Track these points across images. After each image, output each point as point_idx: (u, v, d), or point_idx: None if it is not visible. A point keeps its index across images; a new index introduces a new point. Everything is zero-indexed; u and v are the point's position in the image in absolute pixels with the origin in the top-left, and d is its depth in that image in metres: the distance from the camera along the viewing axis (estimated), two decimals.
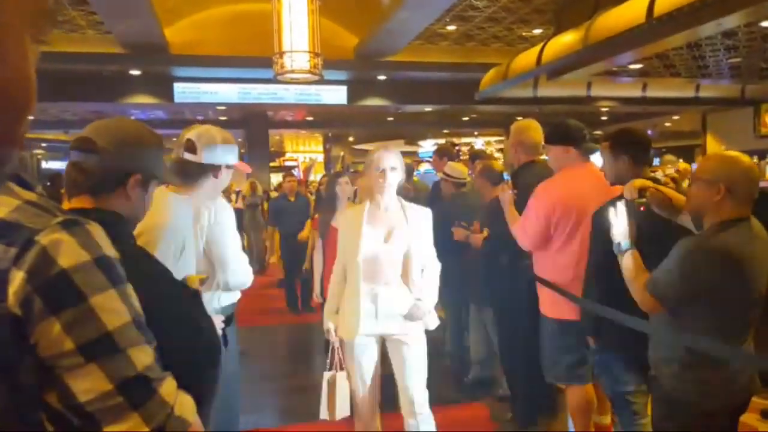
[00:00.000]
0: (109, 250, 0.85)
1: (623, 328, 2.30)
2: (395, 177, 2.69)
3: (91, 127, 1.39)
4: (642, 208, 2.17)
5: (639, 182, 2.27)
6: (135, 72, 11.56)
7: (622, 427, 2.64)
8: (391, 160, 2.68)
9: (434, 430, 2.79)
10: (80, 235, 0.81)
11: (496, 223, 3.39)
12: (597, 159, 2.94)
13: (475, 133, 19.81)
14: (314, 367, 4.62)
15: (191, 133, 2.20)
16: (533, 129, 3.42)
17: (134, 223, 1.48)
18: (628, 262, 2.15)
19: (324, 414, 2.86)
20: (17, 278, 0.76)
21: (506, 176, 3.52)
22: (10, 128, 0.74)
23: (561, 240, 2.85)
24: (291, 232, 6.54)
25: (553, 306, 2.92)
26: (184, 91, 12.09)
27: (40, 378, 0.78)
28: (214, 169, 2.24)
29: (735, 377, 2.00)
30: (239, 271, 2.43)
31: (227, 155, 2.28)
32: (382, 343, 2.80)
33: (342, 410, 2.82)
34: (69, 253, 0.79)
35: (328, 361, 2.85)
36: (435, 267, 2.81)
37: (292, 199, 7.10)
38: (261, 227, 9.81)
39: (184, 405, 0.94)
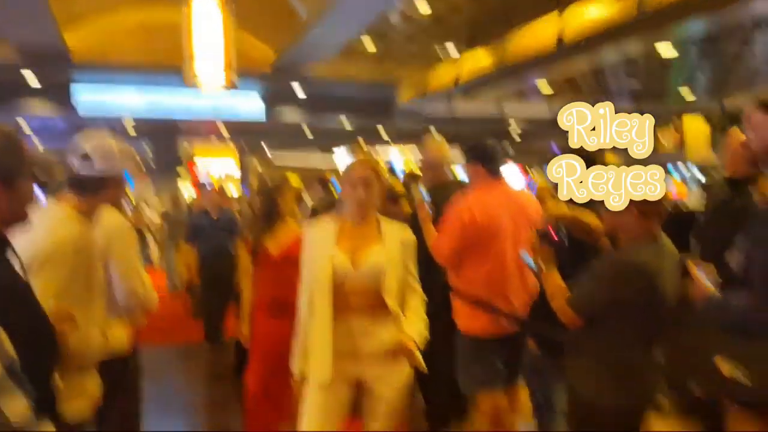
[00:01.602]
0: None
1: (555, 336, 2.38)
2: (370, 191, 2.30)
3: None
4: (555, 238, 2.24)
5: (555, 212, 2.35)
6: (32, 80, 10.79)
7: (539, 428, 2.74)
8: (365, 171, 2.31)
9: None
10: None
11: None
12: (515, 182, 3.02)
13: (391, 144, 20.02)
14: (222, 390, 4.43)
15: (86, 145, 2.05)
16: (442, 149, 3.50)
17: (16, 219, 1.45)
18: (546, 280, 2.26)
19: None
20: None
21: (425, 195, 3.55)
22: None
23: (475, 256, 2.90)
24: (211, 254, 5.68)
25: (468, 321, 2.96)
26: (87, 102, 11.44)
27: None
28: (112, 181, 2.09)
29: (643, 380, 2.13)
30: (140, 293, 2.31)
31: (125, 165, 2.14)
32: (357, 389, 2.33)
33: None
34: None
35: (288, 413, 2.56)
36: (418, 297, 2.42)
37: (215, 216, 6.02)
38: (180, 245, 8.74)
39: None
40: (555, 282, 2.22)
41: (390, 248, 2.28)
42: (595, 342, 2.09)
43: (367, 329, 2.25)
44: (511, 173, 6.21)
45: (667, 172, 2.21)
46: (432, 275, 3.26)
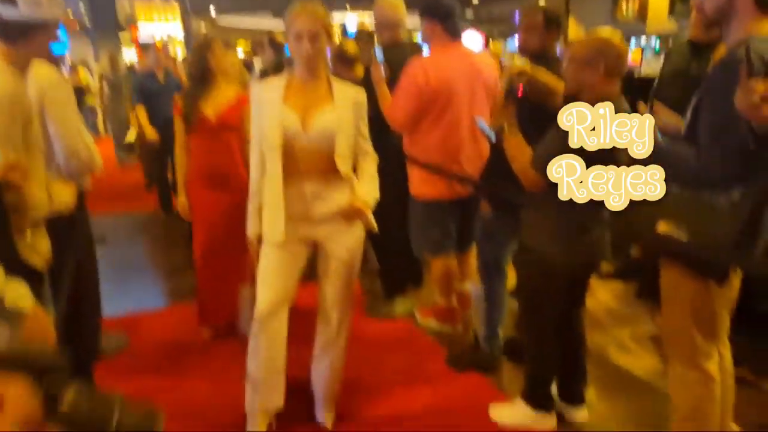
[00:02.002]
0: None
1: (509, 197, 2.46)
2: (317, 45, 2.12)
3: None
4: (519, 94, 2.23)
5: (517, 67, 2.32)
6: None
7: (487, 289, 2.92)
8: (310, 23, 2.10)
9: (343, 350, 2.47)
10: None
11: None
12: (468, 38, 2.96)
13: (347, 6, 19.04)
14: (180, 254, 4.52)
15: None
16: (393, 5, 3.34)
17: None
18: (508, 142, 2.24)
19: (246, 329, 2.53)
20: None
21: (379, 54, 3.43)
22: None
23: (430, 120, 2.90)
24: (161, 120, 5.31)
25: (422, 186, 3.03)
26: None
27: None
28: (40, 28, 1.93)
29: (591, 241, 2.25)
30: (83, 153, 2.22)
31: (52, 8, 1.96)
32: (312, 249, 2.36)
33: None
34: None
35: (248, 272, 2.56)
36: (370, 159, 2.37)
37: (161, 79, 5.67)
38: (126, 108, 8.03)
39: (17, 292, 0.87)
40: (518, 143, 2.21)
41: (341, 110, 2.19)
42: (551, 201, 2.10)
43: (320, 193, 2.22)
44: (471, 39, 6.02)
45: (627, 40, 2.21)
46: (385, 139, 3.28)
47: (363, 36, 4.36)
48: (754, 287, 2.27)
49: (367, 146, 2.34)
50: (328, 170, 2.20)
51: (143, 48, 7.62)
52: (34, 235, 1.82)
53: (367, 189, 2.29)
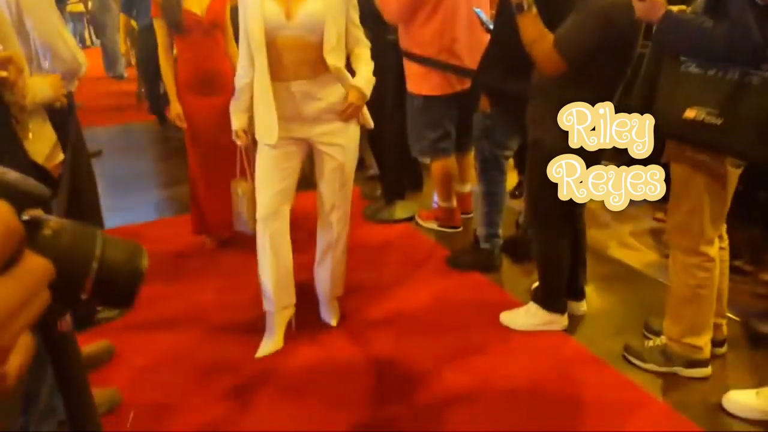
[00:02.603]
0: None
1: (513, 94, 2.36)
2: None
3: None
4: None
5: None
6: None
7: (486, 188, 2.88)
8: None
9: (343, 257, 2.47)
10: None
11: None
12: None
13: None
14: (178, 165, 4.46)
15: None
16: None
17: None
18: (527, 21, 2.08)
19: (241, 225, 2.63)
20: None
21: None
22: None
23: (427, 11, 2.77)
24: (150, 27, 4.98)
25: (419, 81, 2.93)
26: None
27: None
28: None
29: None
30: (64, 54, 2.12)
31: None
32: (308, 150, 2.31)
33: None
34: None
35: (237, 168, 2.53)
36: (364, 46, 2.24)
37: None
38: (115, 17, 7.79)
39: None
40: (537, 25, 2.06)
41: (333, 8, 2.07)
42: (557, 91, 2.05)
43: (310, 90, 2.13)
44: None
45: None
46: (380, 34, 3.15)
47: None
48: (756, 174, 2.25)
49: (360, 34, 2.21)
50: (317, 66, 2.10)
51: None
52: (36, 122, 1.77)
53: (362, 75, 2.19)
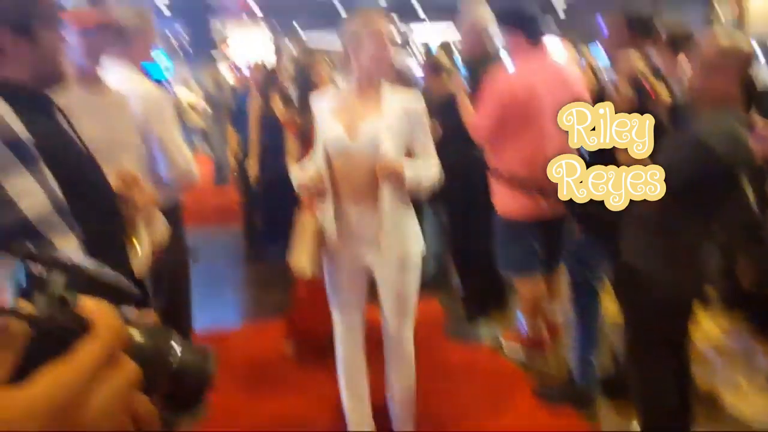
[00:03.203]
0: (19, 130, 0.77)
1: (604, 218, 2.28)
2: (387, 48, 2.07)
3: None
4: (650, 90, 2.04)
5: (637, 59, 2.12)
6: None
7: (578, 314, 2.72)
8: (380, 24, 2.05)
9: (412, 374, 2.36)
10: None
11: (447, 118, 3.28)
12: (552, 45, 2.80)
13: (426, 20, 19.08)
14: (268, 269, 4.55)
15: None
16: (484, 18, 3.23)
17: (49, 81, 1.27)
18: (622, 153, 2.01)
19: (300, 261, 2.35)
20: None
21: (463, 69, 3.36)
22: None
23: (515, 134, 2.75)
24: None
25: (506, 200, 2.86)
26: None
27: None
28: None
29: (699, 262, 2.06)
30: (182, 165, 2.30)
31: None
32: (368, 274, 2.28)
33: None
34: None
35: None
36: (430, 158, 2.17)
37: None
38: (225, 131, 7.67)
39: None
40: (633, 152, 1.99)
41: (389, 116, 2.07)
42: (656, 218, 1.97)
43: (371, 212, 2.11)
44: (557, 48, 5.81)
45: None
46: (468, 152, 3.17)
47: (445, 47, 4.30)
48: None
49: (428, 156, 2.18)
50: (378, 187, 2.07)
51: (238, 69, 7.82)
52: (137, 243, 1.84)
53: (411, 162, 2.12)
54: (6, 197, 0.73)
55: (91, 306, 0.38)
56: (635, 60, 2.08)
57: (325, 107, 2.17)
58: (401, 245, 2.16)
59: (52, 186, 0.80)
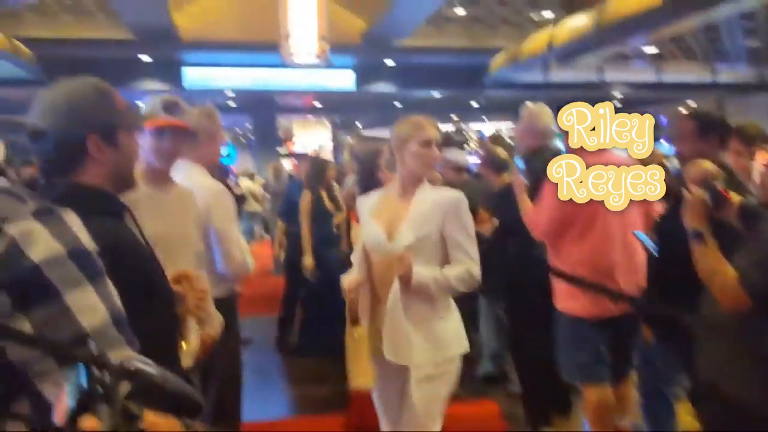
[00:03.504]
0: (86, 241, 0.78)
1: (678, 322, 2.17)
2: (437, 153, 2.14)
3: (31, 109, 1.26)
4: (725, 193, 1.89)
5: (711, 164, 2.01)
6: (145, 58, 11.50)
7: (649, 427, 2.53)
8: (437, 132, 2.14)
9: None
10: (54, 225, 0.74)
11: (505, 211, 3.27)
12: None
13: (484, 118, 19.61)
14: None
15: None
16: (544, 114, 3.28)
17: (124, 186, 1.35)
18: (706, 253, 1.88)
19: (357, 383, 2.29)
20: None
21: (519, 162, 3.38)
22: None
23: (576, 231, 2.71)
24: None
25: (569, 300, 2.78)
26: (193, 77, 12.04)
27: (9, 384, 0.71)
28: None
29: None
30: (238, 259, 2.37)
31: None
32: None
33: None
34: (41, 245, 0.71)
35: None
36: (461, 266, 2.08)
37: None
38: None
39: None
40: (717, 256, 1.85)
41: (416, 210, 2.08)
42: (740, 329, 1.81)
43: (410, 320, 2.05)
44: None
45: None
46: (528, 250, 3.13)
47: (493, 141, 4.40)
48: None
49: (463, 256, 2.09)
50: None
51: (298, 157, 8.19)
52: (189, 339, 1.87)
53: (434, 269, 2.06)
54: (66, 312, 0.73)
55: (156, 422, 0.36)
56: (706, 165, 2.00)
57: (367, 208, 2.22)
58: (425, 350, 2.06)
59: (113, 299, 0.80)
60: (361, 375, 2.15)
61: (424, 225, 2.06)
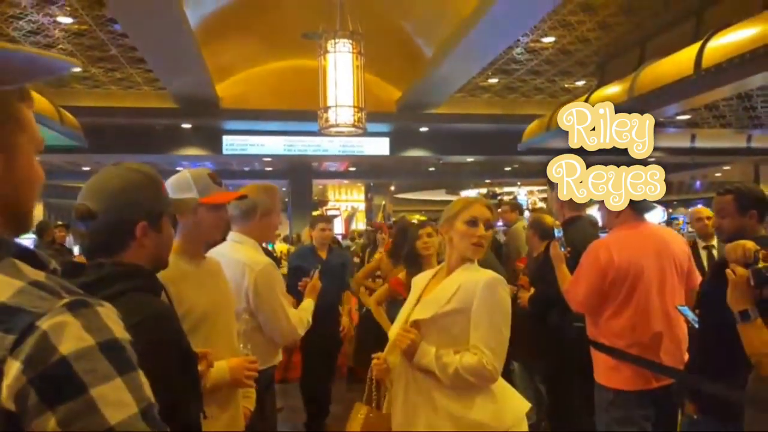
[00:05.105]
0: (120, 333, 0.76)
1: (723, 398, 2.14)
2: (490, 233, 2.06)
3: (84, 191, 1.38)
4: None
5: (751, 244, 2.02)
6: (187, 125, 12.05)
7: None
8: (488, 213, 2.05)
9: None
10: (87, 317, 0.72)
11: (544, 280, 3.28)
12: (653, 217, 2.83)
13: (518, 183, 19.68)
14: None
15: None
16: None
17: (160, 266, 1.46)
18: (754, 331, 1.90)
19: None
20: (13, 369, 0.68)
21: (557, 232, 3.39)
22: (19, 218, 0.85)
23: (616, 303, 2.72)
24: (318, 303, 3.38)
25: (609, 373, 2.76)
26: (232, 144, 12.52)
27: None
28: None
29: None
30: (285, 329, 2.44)
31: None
32: None
33: None
34: (71, 338, 0.70)
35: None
36: (474, 355, 1.90)
37: (323, 254, 4.38)
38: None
39: None
40: (764, 335, 1.87)
41: (441, 288, 2.00)
42: None
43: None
44: (655, 215, 5.84)
45: None
46: (566, 321, 3.13)
47: (511, 207, 4.44)
48: None
49: (481, 345, 1.91)
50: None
51: (320, 220, 8.30)
52: (227, 406, 1.92)
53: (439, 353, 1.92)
54: (92, 407, 0.69)
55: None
56: (748, 244, 2.00)
57: (416, 286, 2.17)
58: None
59: (144, 391, 0.76)
60: None
61: (445, 303, 1.95)
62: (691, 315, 2.12)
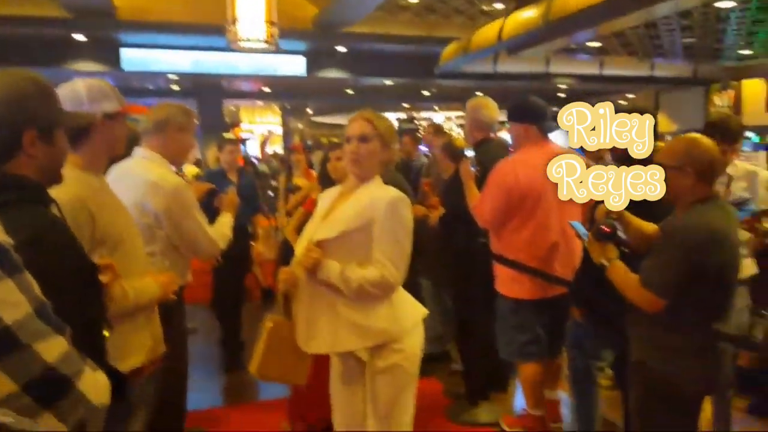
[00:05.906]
0: (2, 236, 0.77)
1: (608, 304, 2.30)
2: (364, 147, 2.05)
3: None
4: (608, 230, 2.07)
5: (603, 208, 2.13)
6: (80, 37, 11.03)
7: (577, 400, 2.72)
8: (359, 127, 2.06)
9: None
10: None
11: (453, 200, 3.36)
12: (557, 137, 2.93)
13: (435, 107, 19.78)
14: None
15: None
16: (488, 107, 3.37)
17: (52, 181, 1.38)
18: (613, 274, 2.07)
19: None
20: None
21: (469, 152, 3.45)
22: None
23: (519, 219, 2.84)
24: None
25: (509, 285, 2.92)
26: (132, 59, 11.63)
27: None
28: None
29: (719, 360, 2.04)
30: (205, 246, 2.41)
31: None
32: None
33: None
34: None
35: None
36: (372, 268, 1.97)
37: (233, 178, 4.47)
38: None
39: (100, 389, 0.88)
40: (622, 272, 2.05)
41: (350, 205, 2.03)
42: (666, 315, 1.97)
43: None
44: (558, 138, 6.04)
45: None
46: (472, 237, 3.24)
47: (433, 130, 4.50)
48: None
49: (383, 259, 1.97)
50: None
51: (243, 142, 8.04)
52: (137, 330, 1.84)
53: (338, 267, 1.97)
54: None
55: None
56: (602, 208, 2.14)
57: (322, 203, 2.20)
58: (343, 337, 2.01)
59: (34, 291, 0.78)
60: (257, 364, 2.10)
61: (350, 222, 2.00)
62: (582, 230, 2.26)
